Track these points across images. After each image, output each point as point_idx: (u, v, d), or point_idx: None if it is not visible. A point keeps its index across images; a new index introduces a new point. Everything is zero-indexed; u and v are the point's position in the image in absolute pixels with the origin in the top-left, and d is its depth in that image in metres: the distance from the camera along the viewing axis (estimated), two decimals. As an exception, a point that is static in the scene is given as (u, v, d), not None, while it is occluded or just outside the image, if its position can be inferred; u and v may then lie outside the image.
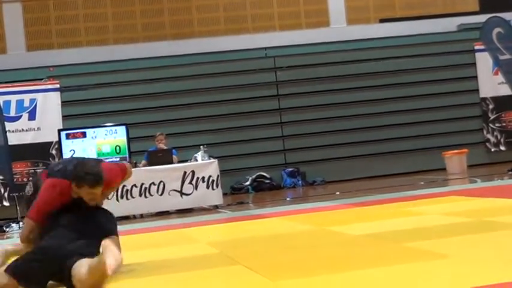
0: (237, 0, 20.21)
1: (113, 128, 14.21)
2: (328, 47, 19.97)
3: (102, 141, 13.99)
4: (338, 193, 14.73)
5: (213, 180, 13.92)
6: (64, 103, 16.50)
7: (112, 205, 13.22)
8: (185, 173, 13.86)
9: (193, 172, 13.89)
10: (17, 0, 19.14)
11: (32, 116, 16.11)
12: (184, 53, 19.34)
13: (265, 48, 19.83)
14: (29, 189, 6.58)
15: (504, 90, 18.62)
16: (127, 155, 14.01)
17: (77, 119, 17.37)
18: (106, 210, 6.28)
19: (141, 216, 13.82)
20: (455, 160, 18.03)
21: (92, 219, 6.02)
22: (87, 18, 19.53)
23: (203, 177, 13.90)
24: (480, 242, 6.12)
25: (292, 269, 5.55)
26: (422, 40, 20.28)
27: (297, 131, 19.63)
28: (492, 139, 19.97)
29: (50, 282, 5.70)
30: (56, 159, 15.43)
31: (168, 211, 13.86)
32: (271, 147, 19.54)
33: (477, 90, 20.11)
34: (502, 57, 16.94)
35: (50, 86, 16.52)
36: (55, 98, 16.34)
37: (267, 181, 19.07)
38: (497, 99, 19.80)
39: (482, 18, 18.22)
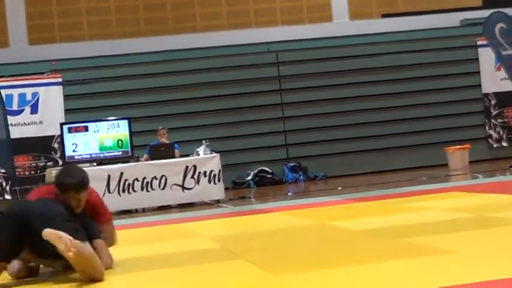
0: (240, -6, 20.20)
1: (115, 122, 14.19)
2: (331, 42, 19.95)
3: (105, 135, 13.98)
4: (340, 188, 14.74)
5: (214, 175, 13.92)
6: (66, 97, 16.51)
7: (114, 199, 13.38)
8: (187, 167, 13.86)
9: (195, 166, 13.88)
10: (19, -6, 19.15)
11: (34, 109, 16.13)
12: (186, 47, 19.33)
13: (268, 43, 19.81)
14: None
15: (507, 86, 18.62)
16: (129, 149, 14.01)
17: (79, 113, 17.37)
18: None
19: (143, 210, 13.83)
20: (457, 156, 18.02)
21: (79, 218, 5.93)
22: (90, 12, 19.52)
23: (205, 172, 13.90)
24: (482, 237, 6.12)
25: (294, 264, 5.56)
26: (424, 35, 20.26)
27: (299, 126, 19.62)
28: (494, 135, 19.95)
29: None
30: (59, 153, 15.46)
31: (170, 205, 13.87)
32: (273, 141, 19.55)
33: (479, 86, 20.09)
34: (504, 53, 16.93)
35: (52, 80, 16.54)
36: (57, 92, 16.36)
37: (269, 176, 19.07)
38: (499, 95, 19.79)
39: (485, 13, 18.18)
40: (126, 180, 13.52)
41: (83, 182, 5.97)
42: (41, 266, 5.99)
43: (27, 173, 15.72)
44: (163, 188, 13.69)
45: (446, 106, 19.99)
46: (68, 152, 13.82)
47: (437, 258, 5.11)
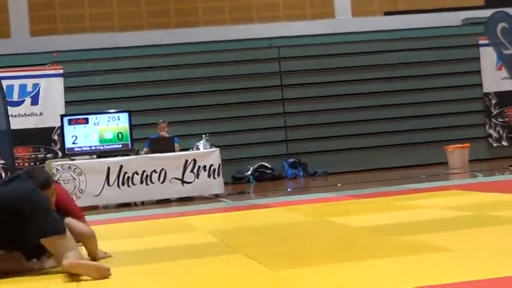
0: (242, -11, 20.19)
1: (116, 115, 14.18)
2: (332, 39, 19.96)
3: (105, 128, 13.97)
4: (339, 185, 14.75)
5: (214, 169, 13.92)
6: (67, 89, 16.52)
7: (113, 192, 13.39)
8: (187, 161, 13.86)
9: (194, 161, 13.88)
10: (21, -15, 19.13)
11: (34, 101, 16.13)
12: (188, 42, 19.35)
13: (270, 38, 19.81)
14: None
15: (507, 86, 18.63)
16: (129, 142, 14.01)
17: (79, 105, 17.38)
18: None
19: (142, 203, 13.83)
20: (457, 154, 18.03)
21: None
22: (92, 4, 19.52)
23: (204, 166, 13.90)
24: (481, 236, 6.12)
25: (293, 259, 5.55)
26: (426, 34, 20.26)
27: (299, 122, 19.64)
28: (494, 134, 19.97)
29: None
30: (58, 145, 15.45)
31: (169, 199, 13.87)
32: (273, 137, 19.56)
33: (480, 85, 20.11)
34: (506, 52, 16.93)
35: (53, 72, 16.54)
36: (58, 84, 16.37)
37: (269, 171, 19.08)
38: (500, 94, 19.80)
39: (487, 12, 18.19)
40: (125, 173, 13.51)
41: (46, 181, 5.96)
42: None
43: (26, 164, 15.71)
44: (162, 182, 13.69)
45: (446, 105, 19.99)
46: (68, 144, 13.81)
47: (437, 256, 5.11)
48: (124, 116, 14.13)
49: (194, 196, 13.92)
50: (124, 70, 19.14)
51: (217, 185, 13.99)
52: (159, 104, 18.89)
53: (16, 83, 16.06)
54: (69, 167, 13.28)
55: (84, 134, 13.89)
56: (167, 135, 14.90)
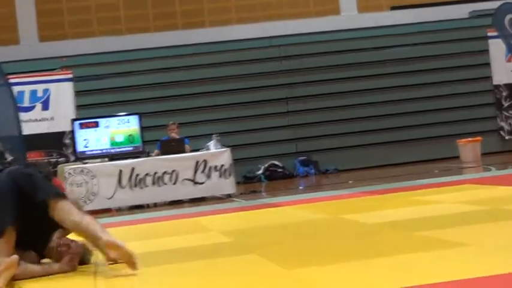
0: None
1: (126, 118, 14.23)
2: (338, 35, 19.93)
3: (115, 131, 14.02)
4: (351, 182, 14.72)
5: (225, 169, 13.93)
6: (77, 93, 16.55)
7: (126, 194, 13.42)
8: (198, 162, 13.87)
9: (205, 161, 13.89)
10: (29, -8, 19.19)
11: (45, 106, 16.17)
12: (195, 43, 19.37)
13: (271, 37, 19.79)
14: None
15: (517, 77, 18.57)
16: (140, 144, 14.05)
17: (90, 109, 17.41)
18: None
19: (155, 205, 13.87)
20: (469, 148, 17.96)
21: None
22: (99, 8, 19.56)
23: (216, 166, 13.91)
24: (497, 230, 6.09)
25: (307, 258, 5.54)
26: (434, 27, 20.22)
27: (307, 120, 19.65)
28: (506, 127, 19.89)
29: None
30: (70, 149, 15.49)
31: (181, 200, 13.89)
32: (283, 136, 19.57)
33: (490, 78, 20.02)
34: (515, 44, 16.87)
35: (63, 76, 16.58)
36: (68, 88, 16.39)
37: (280, 170, 19.08)
38: (510, 87, 19.71)
39: (494, 4, 18.15)
40: (137, 175, 13.55)
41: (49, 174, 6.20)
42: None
43: (39, 169, 15.73)
44: (174, 183, 13.71)
45: (457, 98, 19.94)
46: (80, 148, 13.88)
47: (452, 251, 5.09)
48: (134, 119, 14.17)
49: (206, 196, 13.93)
50: (133, 73, 19.18)
51: (229, 185, 14.00)
52: (169, 106, 18.91)
53: (27, 88, 16.09)
54: (82, 171, 13.32)
55: (95, 138, 13.95)
56: (177, 137, 14.92)
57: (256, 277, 4.96)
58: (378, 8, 20.77)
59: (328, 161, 19.41)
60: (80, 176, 13.25)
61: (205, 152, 14.25)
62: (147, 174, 13.63)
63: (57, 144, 16.11)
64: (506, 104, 19.90)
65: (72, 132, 14.17)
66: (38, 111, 16.14)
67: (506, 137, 19.96)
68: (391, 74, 19.93)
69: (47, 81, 16.42)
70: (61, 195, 5.66)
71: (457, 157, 18.07)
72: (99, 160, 13.88)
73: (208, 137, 14.87)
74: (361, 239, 6.38)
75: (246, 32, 19.67)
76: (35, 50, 18.68)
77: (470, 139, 18.14)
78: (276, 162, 19.14)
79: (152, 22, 19.71)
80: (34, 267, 5.70)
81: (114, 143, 13.99)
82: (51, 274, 5.64)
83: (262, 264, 5.43)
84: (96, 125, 13.98)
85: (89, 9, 19.55)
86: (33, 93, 16.21)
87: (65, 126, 15.53)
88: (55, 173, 13.29)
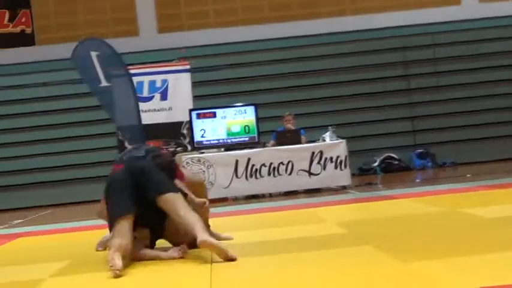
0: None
1: (242, 108, 14.35)
2: (460, 26, 19.57)
3: (232, 121, 14.16)
4: (469, 175, 14.43)
5: (341, 161, 13.88)
6: (194, 83, 16.77)
7: (241, 184, 13.56)
8: (313, 153, 13.87)
9: (321, 152, 13.88)
10: (148, -15, 19.57)
11: (164, 96, 16.42)
12: (312, 33, 19.35)
13: (394, 28, 19.58)
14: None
15: None
16: (256, 135, 14.14)
17: (206, 100, 17.63)
18: None
19: (270, 195, 13.96)
20: None
21: None
22: (216, 0, 19.75)
23: (331, 158, 13.88)
24: None
25: (423, 251, 5.48)
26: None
27: (427, 112, 19.37)
28: None
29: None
30: (188, 139, 15.73)
31: (296, 191, 13.92)
32: (401, 128, 19.35)
33: None
34: None
35: (180, 67, 16.78)
36: (186, 79, 16.58)
37: (396, 162, 18.88)
38: None
39: None
40: (253, 165, 13.66)
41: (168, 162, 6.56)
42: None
43: (158, 158, 16.00)
44: (289, 174, 13.75)
45: None
46: (197, 138, 14.10)
47: None
48: (250, 109, 14.28)
49: (321, 188, 13.92)
50: (250, 64, 19.33)
51: (344, 177, 13.95)
52: (285, 97, 18.98)
53: (146, 79, 16.38)
54: (199, 160, 13.54)
55: (212, 128, 14.13)
56: (293, 128, 14.96)
57: (372, 269, 4.93)
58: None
59: (445, 154, 19.09)
60: (197, 165, 13.47)
61: (321, 143, 14.24)
62: (263, 165, 13.72)
63: (175, 134, 16.34)
64: None
65: (190, 122, 14.39)
66: (156, 102, 16.41)
67: None
68: (513, 65, 19.45)
69: (166, 72, 16.67)
70: (170, 190, 5.96)
71: None
72: (215, 150, 14.06)
73: (324, 128, 14.84)
74: (478, 234, 6.25)
75: (364, 23, 19.50)
76: (153, 41, 19.07)
77: None
78: (392, 155, 18.95)
79: (268, 13, 19.78)
80: (146, 252, 6.10)
81: (230, 133, 14.15)
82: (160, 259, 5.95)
83: (378, 256, 5.41)
84: (213, 115, 14.17)
85: (206, 0, 19.79)
86: (152, 83, 16.49)
87: (183, 117, 15.74)
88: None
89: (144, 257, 6.02)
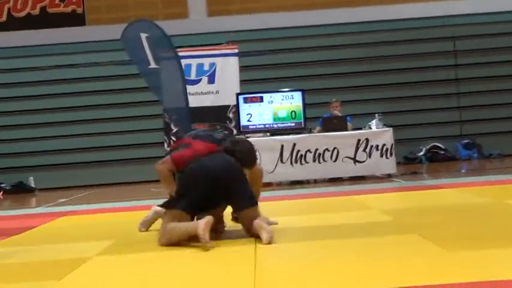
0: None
1: (290, 94, 14.36)
2: (508, 16, 19.32)
3: (279, 106, 14.18)
4: (516, 167, 14.31)
5: (387, 149, 13.83)
6: (242, 68, 16.80)
7: (286, 169, 13.59)
8: (359, 140, 13.84)
9: (367, 140, 13.85)
10: (198, -33, 19.61)
11: (211, 79, 16.47)
12: (361, 20, 19.27)
13: (444, 17, 19.41)
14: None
15: None
16: (302, 121, 14.14)
17: (252, 84, 17.65)
18: None
19: (314, 181, 13.97)
20: None
21: None
22: (267, -16, 19.75)
23: (377, 146, 13.84)
24: None
25: (469, 240, 5.47)
26: None
27: (474, 102, 19.20)
28: None
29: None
30: (233, 122, 15.79)
31: (341, 177, 13.91)
32: (447, 117, 19.22)
33: None
34: None
35: (229, 51, 16.80)
36: (233, 63, 16.61)
37: (442, 152, 18.76)
38: None
39: None
40: (298, 151, 13.67)
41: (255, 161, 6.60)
42: None
43: (204, 141, 16.07)
44: (335, 160, 13.74)
45: None
46: (243, 122, 14.14)
47: None
48: (298, 95, 14.28)
49: (366, 175, 13.89)
50: (298, 49, 19.32)
51: (389, 165, 13.90)
52: (332, 83, 18.94)
53: (194, 62, 16.43)
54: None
55: (258, 112, 14.17)
56: (340, 114, 14.93)
57: (417, 257, 4.95)
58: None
59: (492, 145, 18.92)
60: (242, 149, 13.48)
61: (367, 130, 14.21)
62: (308, 151, 13.73)
63: (221, 117, 16.39)
64: None
65: (237, 106, 14.44)
66: (203, 85, 16.47)
67: None
68: None
69: (214, 55, 16.70)
70: (249, 205, 6.17)
71: None
72: (261, 134, 14.09)
73: (370, 116, 14.79)
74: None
75: (416, 11, 19.34)
76: (203, 24, 19.13)
77: None
78: (438, 144, 18.83)
79: (319, -1, 19.74)
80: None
81: (276, 118, 14.17)
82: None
83: (423, 244, 5.42)
84: (261, 99, 14.19)
85: (257, -15, 19.80)
86: (200, 66, 16.54)
87: (229, 100, 15.79)
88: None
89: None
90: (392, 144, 13.88)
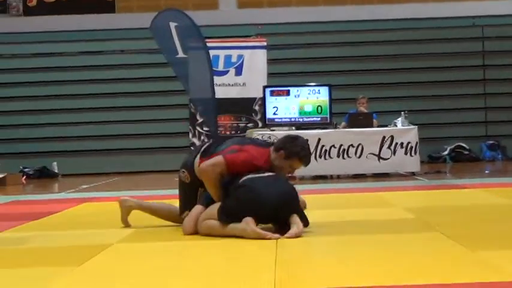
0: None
1: (316, 88, 14.37)
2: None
3: (305, 101, 14.18)
4: (541, 170, 14.25)
5: (411, 147, 13.82)
6: (269, 61, 16.83)
7: (310, 164, 13.50)
8: (384, 137, 13.84)
9: (392, 137, 13.84)
10: (230, -41, 19.64)
11: (238, 71, 16.49)
12: (391, 18, 19.23)
13: (473, 17, 19.34)
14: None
15: None
16: (328, 116, 14.15)
17: (279, 77, 17.69)
18: None
19: (338, 177, 13.98)
20: None
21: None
22: (298, -21, 19.75)
23: (402, 143, 13.83)
24: None
25: (492, 240, 5.49)
26: None
27: (501, 103, 19.14)
28: None
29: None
30: (259, 115, 15.82)
31: (365, 174, 13.91)
32: (473, 118, 19.18)
33: None
34: None
35: (257, 44, 16.83)
36: (262, 56, 16.63)
37: (466, 152, 18.73)
38: None
39: None
40: (323, 146, 13.69)
41: (310, 157, 6.49)
42: None
43: (228, 132, 16.15)
44: (359, 157, 13.75)
45: None
46: (269, 115, 14.16)
47: None
48: (324, 90, 14.29)
49: (390, 173, 13.90)
50: (327, 44, 19.34)
51: (413, 163, 13.89)
52: (359, 80, 18.94)
53: (222, 53, 16.47)
54: (269, 137, 13.57)
55: (284, 106, 14.18)
56: (366, 111, 14.93)
57: (440, 255, 4.97)
58: None
59: (517, 147, 18.90)
60: (267, 142, 13.52)
61: (392, 128, 14.20)
62: (332, 146, 13.74)
63: (247, 109, 16.43)
64: None
65: (263, 99, 14.46)
66: (231, 76, 16.50)
67: None
68: None
69: (242, 47, 16.73)
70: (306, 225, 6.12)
71: None
72: (286, 128, 14.09)
73: (396, 113, 14.78)
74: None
75: (446, 10, 19.27)
76: (232, 16, 19.16)
77: None
78: (463, 144, 18.79)
79: (348, -6, 19.70)
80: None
81: (302, 112, 14.18)
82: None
83: (446, 242, 5.43)
84: (287, 93, 14.20)
85: (287, -21, 19.82)
86: (228, 58, 16.58)
87: (256, 93, 15.82)
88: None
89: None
90: (417, 143, 13.87)
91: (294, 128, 14.06)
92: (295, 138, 6.48)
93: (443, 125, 19.02)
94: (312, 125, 14.15)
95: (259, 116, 16.00)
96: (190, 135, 16.08)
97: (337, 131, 14.03)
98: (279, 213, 5.94)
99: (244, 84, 16.48)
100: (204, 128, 15.90)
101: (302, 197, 6.53)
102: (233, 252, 5.46)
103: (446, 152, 18.65)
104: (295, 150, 6.28)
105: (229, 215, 5.95)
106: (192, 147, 15.29)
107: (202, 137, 15.94)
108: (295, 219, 5.92)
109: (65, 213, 8.72)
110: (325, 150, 13.70)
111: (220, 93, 15.57)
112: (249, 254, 5.33)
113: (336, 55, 19.19)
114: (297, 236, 5.78)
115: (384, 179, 13.17)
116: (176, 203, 6.74)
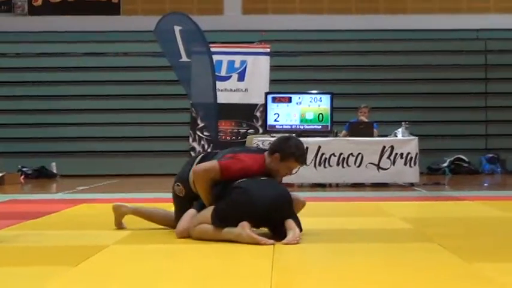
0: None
1: (318, 96, 14.40)
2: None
3: (307, 108, 14.22)
4: (540, 184, 14.26)
5: (411, 158, 13.84)
6: (272, 67, 16.85)
7: (309, 171, 13.60)
8: (384, 147, 13.86)
9: (392, 147, 13.86)
10: (237, -35, 19.68)
11: (241, 77, 16.52)
12: (395, 28, 19.28)
13: (477, 30, 19.38)
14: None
15: None
16: (329, 124, 14.17)
17: (282, 84, 17.69)
18: None
19: (337, 185, 13.98)
20: None
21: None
22: (303, -14, 19.79)
23: (401, 154, 13.85)
24: None
25: (489, 252, 5.50)
26: None
27: (501, 117, 19.17)
28: None
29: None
30: (260, 122, 15.84)
31: (364, 183, 13.93)
32: (473, 130, 19.20)
33: None
34: None
35: (261, 50, 16.87)
36: (264, 62, 16.66)
37: (465, 165, 18.74)
38: None
39: None
40: (323, 154, 13.71)
41: (305, 156, 6.53)
42: None
43: (228, 138, 16.16)
44: (358, 166, 13.76)
45: None
46: (270, 121, 14.19)
47: None
48: (326, 98, 14.32)
49: (388, 183, 13.90)
50: (329, 53, 19.36)
51: (412, 174, 13.91)
52: (361, 89, 18.96)
53: (225, 58, 16.50)
54: (270, 143, 13.58)
55: (286, 113, 14.21)
56: (367, 120, 14.95)
57: (436, 266, 4.97)
58: None
59: (516, 161, 18.92)
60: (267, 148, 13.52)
61: (393, 138, 14.22)
62: (332, 154, 13.76)
63: (248, 115, 16.46)
64: None
65: (265, 105, 14.48)
66: (233, 82, 16.53)
67: None
68: None
69: (245, 53, 16.77)
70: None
71: None
72: (286, 135, 14.07)
73: (397, 123, 14.79)
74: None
75: (446, 22, 19.32)
76: (237, 21, 19.19)
77: None
78: (462, 157, 18.80)
79: (354, 4, 19.72)
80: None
81: (303, 120, 14.21)
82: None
83: (442, 254, 5.44)
84: (289, 100, 14.23)
85: (292, -14, 19.85)
86: (231, 63, 16.61)
87: (257, 99, 15.86)
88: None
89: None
90: (416, 153, 13.89)
91: (294, 135, 14.02)
92: (288, 139, 6.51)
93: (444, 136, 19.04)
94: (313, 133, 14.17)
95: (260, 123, 16.03)
96: (191, 139, 16.10)
97: (338, 140, 14.04)
98: (272, 215, 5.94)
99: (246, 90, 16.52)
100: (205, 133, 15.93)
101: (301, 196, 6.56)
102: (229, 256, 5.46)
103: (445, 164, 18.66)
104: (290, 151, 6.29)
105: (222, 219, 5.94)
106: (191, 152, 15.32)
107: (202, 142, 15.98)
108: (291, 224, 5.92)
109: (62, 214, 8.71)
110: (325, 159, 13.72)
111: (222, 98, 15.59)
112: (245, 259, 5.33)
113: (339, 64, 19.22)
114: (295, 242, 5.78)
115: (382, 189, 13.18)
116: (172, 208, 6.74)
